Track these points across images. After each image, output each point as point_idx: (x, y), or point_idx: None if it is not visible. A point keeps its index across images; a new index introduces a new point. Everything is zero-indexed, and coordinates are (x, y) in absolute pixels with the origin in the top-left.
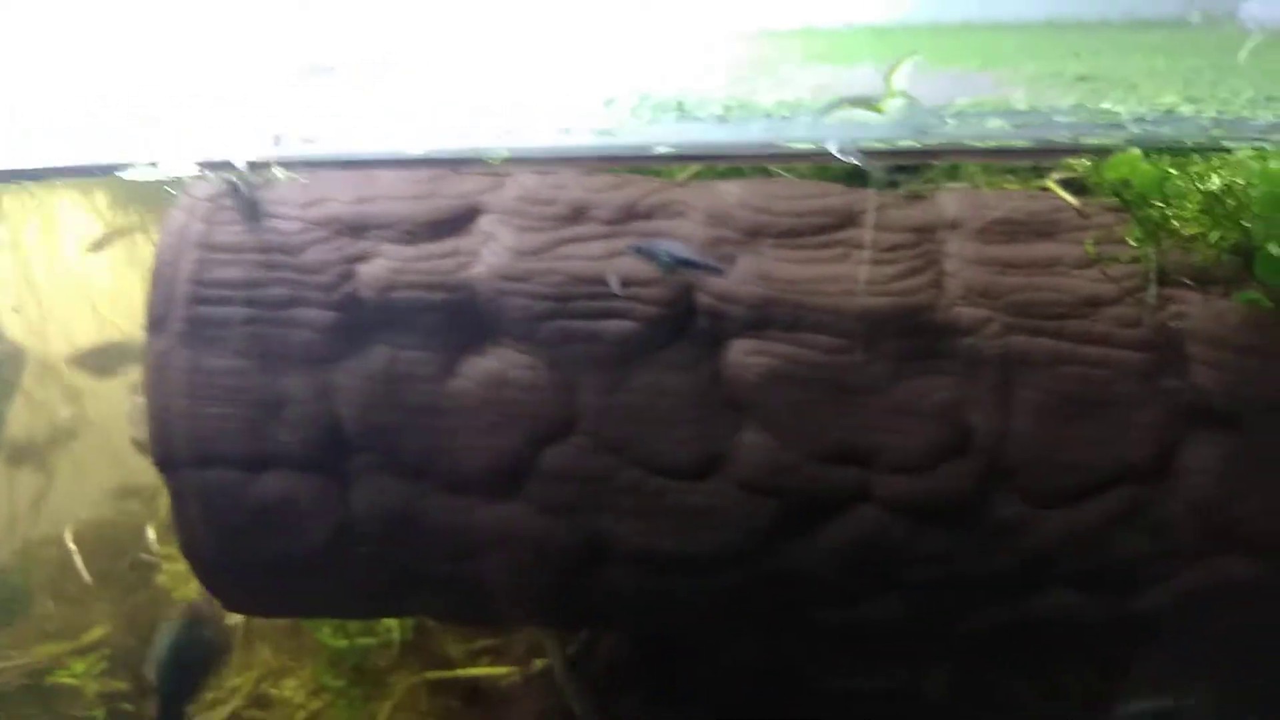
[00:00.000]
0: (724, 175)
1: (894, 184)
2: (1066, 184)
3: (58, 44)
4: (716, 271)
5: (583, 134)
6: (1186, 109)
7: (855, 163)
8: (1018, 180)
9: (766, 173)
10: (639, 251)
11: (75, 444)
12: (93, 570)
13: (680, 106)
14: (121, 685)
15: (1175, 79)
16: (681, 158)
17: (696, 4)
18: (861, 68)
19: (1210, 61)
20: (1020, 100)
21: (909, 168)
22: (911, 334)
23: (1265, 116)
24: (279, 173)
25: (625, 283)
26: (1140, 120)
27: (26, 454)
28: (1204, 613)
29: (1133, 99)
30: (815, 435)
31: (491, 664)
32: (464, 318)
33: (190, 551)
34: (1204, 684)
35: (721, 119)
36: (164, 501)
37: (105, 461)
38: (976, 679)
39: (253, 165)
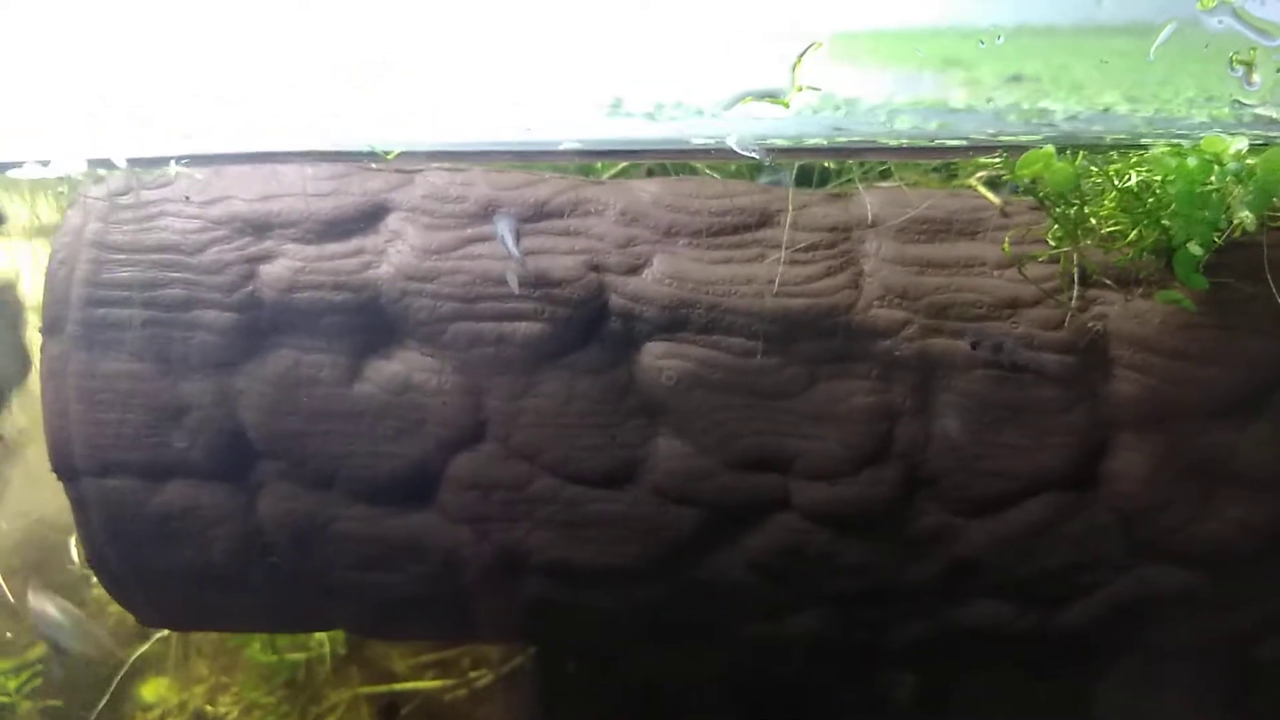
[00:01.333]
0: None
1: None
2: (994, 183)
3: None
4: (518, 262)
5: (494, 130)
6: (1123, 107)
7: (755, 157)
8: (941, 179)
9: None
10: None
11: (30, 454)
12: (39, 584)
13: (616, 104)
14: (58, 703)
15: (1124, 80)
16: (588, 154)
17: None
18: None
19: (1167, 64)
20: (958, 100)
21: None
22: (827, 336)
23: (1198, 116)
24: (174, 170)
25: (535, 283)
26: (1073, 118)
27: None
28: (1135, 623)
29: (1074, 99)
30: (731, 441)
31: (436, 678)
32: (368, 319)
33: (95, 563)
34: (1138, 696)
35: (650, 116)
36: None
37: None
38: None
39: (148, 162)
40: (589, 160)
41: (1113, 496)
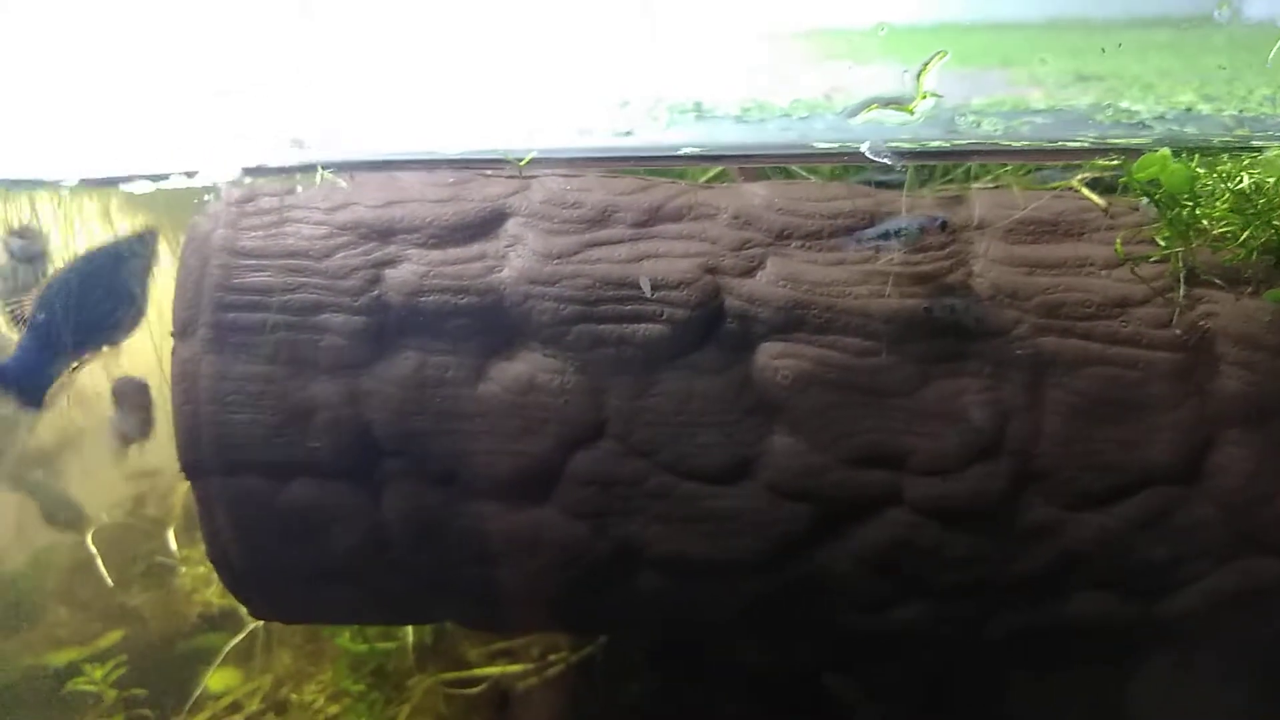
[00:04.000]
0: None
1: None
2: (1091, 184)
3: (65, 49)
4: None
5: (607, 136)
6: (1205, 107)
7: (887, 162)
8: (1016, 177)
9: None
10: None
11: (85, 448)
12: (109, 575)
13: (698, 108)
14: (141, 691)
15: (1190, 77)
16: (706, 158)
17: (704, 7)
18: (877, 67)
19: (1223, 59)
20: (1038, 100)
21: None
22: (941, 335)
23: None
24: (323, 176)
25: (653, 286)
26: (1161, 119)
27: (37, 458)
28: (1235, 615)
29: (1150, 98)
30: (845, 438)
31: (508, 665)
32: (492, 322)
33: (218, 559)
34: (1234, 687)
35: (739, 119)
36: (179, 503)
37: (115, 465)
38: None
39: (280, 171)
40: (696, 165)
41: (1217, 490)
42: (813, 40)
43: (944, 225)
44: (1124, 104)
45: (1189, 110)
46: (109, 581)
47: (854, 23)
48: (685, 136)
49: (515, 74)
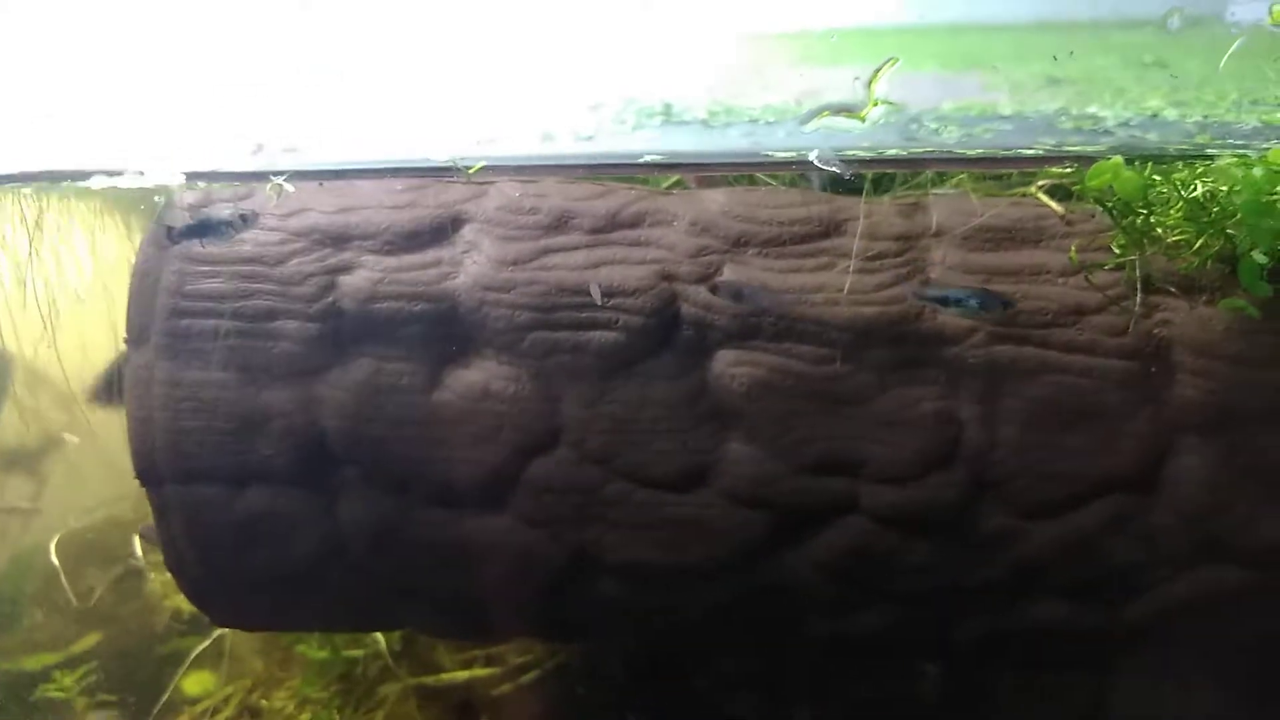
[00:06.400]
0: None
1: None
2: (1053, 190)
3: (33, 44)
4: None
5: (566, 141)
6: (1171, 113)
7: (836, 171)
8: (998, 186)
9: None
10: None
11: (67, 451)
12: (84, 579)
13: (667, 111)
14: (111, 698)
15: (1162, 82)
16: (663, 166)
17: (681, 7)
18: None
19: (1198, 63)
20: (1006, 104)
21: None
22: (897, 343)
23: (1249, 121)
24: (284, 185)
25: (609, 293)
26: (1125, 125)
27: (17, 461)
28: (1193, 622)
29: (1119, 103)
30: (802, 446)
31: (481, 671)
32: (447, 329)
33: (175, 567)
34: (1194, 693)
35: (705, 124)
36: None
37: (97, 469)
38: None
39: (237, 175)
40: (653, 173)
41: (1175, 499)
42: (799, 42)
43: (1007, 305)
44: (1091, 109)
45: (1154, 116)
46: (71, 597)
47: (839, 24)
48: (646, 143)
49: (504, 76)
